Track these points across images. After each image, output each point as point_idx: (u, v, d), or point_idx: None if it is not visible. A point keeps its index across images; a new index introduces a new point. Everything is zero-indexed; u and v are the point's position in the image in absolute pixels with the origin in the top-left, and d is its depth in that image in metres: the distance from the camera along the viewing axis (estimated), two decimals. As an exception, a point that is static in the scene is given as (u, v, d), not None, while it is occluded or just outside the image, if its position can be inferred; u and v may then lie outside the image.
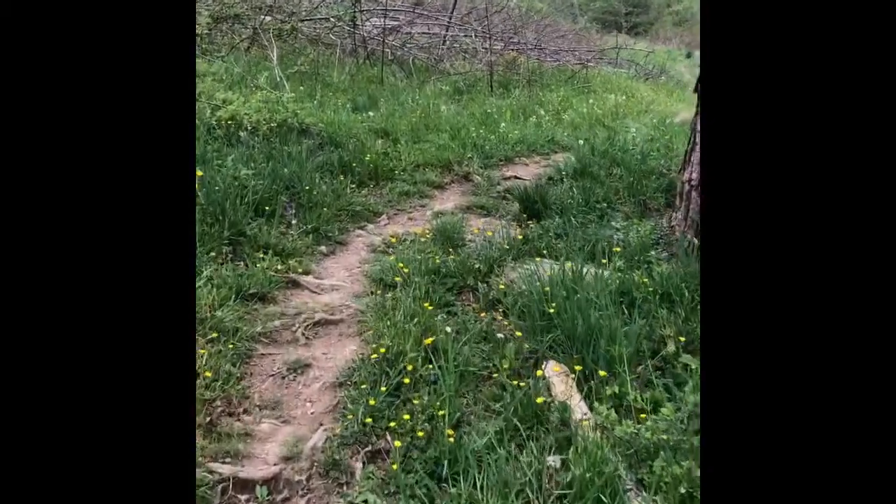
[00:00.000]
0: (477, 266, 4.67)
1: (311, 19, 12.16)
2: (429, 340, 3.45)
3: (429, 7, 15.92)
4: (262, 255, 4.60)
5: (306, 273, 4.64)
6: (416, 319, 3.70)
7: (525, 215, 5.93)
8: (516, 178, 7.26)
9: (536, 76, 12.66)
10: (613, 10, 48.99)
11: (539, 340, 3.62)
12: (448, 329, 3.67)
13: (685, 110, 14.09)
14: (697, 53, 29.73)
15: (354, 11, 11.97)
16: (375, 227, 5.76)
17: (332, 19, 12.06)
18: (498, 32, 14.36)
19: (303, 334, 3.81)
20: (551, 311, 3.67)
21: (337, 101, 8.63)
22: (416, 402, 3.03)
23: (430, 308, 3.88)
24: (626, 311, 3.90)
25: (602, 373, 3.23)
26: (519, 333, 3.65)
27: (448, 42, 13.88)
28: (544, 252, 5.05)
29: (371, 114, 8.34)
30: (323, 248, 5.17)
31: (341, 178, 6.29)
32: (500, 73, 12.28)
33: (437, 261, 4.63)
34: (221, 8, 9.96)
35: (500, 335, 3.71)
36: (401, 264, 4.47)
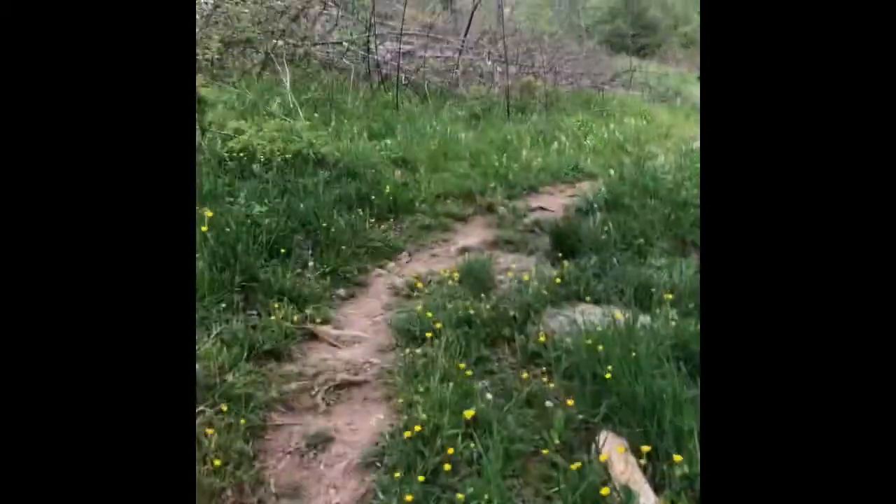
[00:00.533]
0: (512, 314, 4.21)
1: (324, 43, 11.82)
2: (470, 413, 2.99)
3: (441, 31, 15.60)
4: (276, 304, 4.16)
5: (325, 322, 4.20)
6: (450, 383, 3.25)
7: (557, 252, 5.48)
8: (542, 209, 6.83)
9: (552, 100, 12.27)
10: (621, 31, 48.80)
11: (592, 409, 3.16)
12: (489, 396, 3.22)
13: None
14: (710, 75, 29.39)
15: (368, 36, 11.62)
16: (396, 266, 5.33)
17: (345, 43, 11.71)
18: (512, 56, 14.00)
19: (323, 399, 3.36)
20: (607, 375, 3.20)
21: (352, 129, 8.23)
22: (459, 495, 2.55)
23: (466, 370, 3.42)
24: (686, 371, 3.44)
25: (677, 457, 2.75)
26: (570, 402, 3.18)
27: (462, 66, 13.53)
28: (584, 296, 4.60)
29: (388, 141, 7.94)
30: (342, 291, 4.73)
31: (359, 212, 5.87)
32: (515, 98, 11.89)
33: (469, 308, 4.17)
34: (233, 32, 9.61)
35: (547, 402, 3.25)
36: (429, 314, 4.01)
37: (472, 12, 15.90)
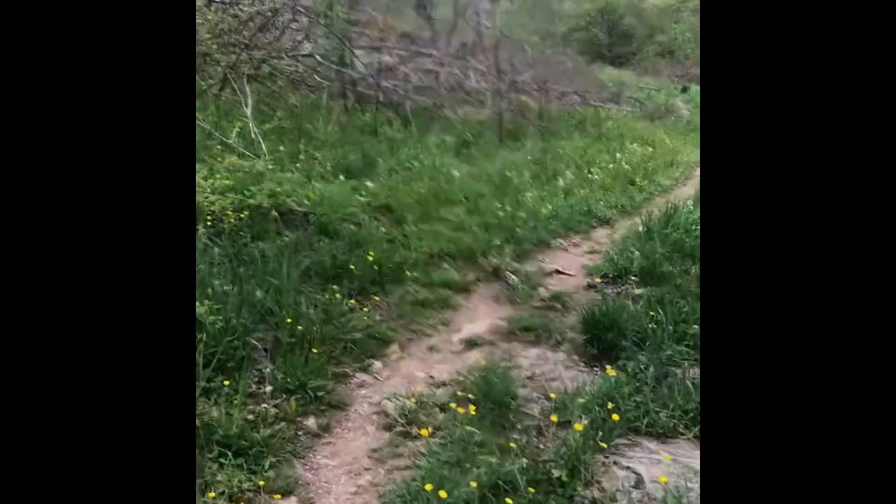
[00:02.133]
0: (557, 475, 2.91)
1: (293, 56, 10.42)
2: None
3: (419, 41, 14.27)
4: (216, 465, 2.83)
5: (286, 493, 2.85)
6: None
7: (591, 346, 4.19)
8: (560, 273, 5.54)
9: (545, 121, 10.99)
10: (597, 40, 47.83)
11: None
12: None
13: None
14: (693, 88, 28.33)
15: (343, 48, 10.25)
16: (385, 369, 4.01)
17: (317, 57, 10.32)
18: (499, 72, 12.70)
19: None
20: None
21: (325, 165, 6.87)
22: None
23: None
24: None
25: None
26: None
27: (445, 80, 12.21)
28: (645, 427, 3.34)
29: (369, 184, 6.57)
30: (312, 420, 3.40)
31: (334, 288, 4.53)
32: (507, 121, 10.59)
33: (496, 469, 2.87)
34: (187, 46, 8.17)
35: None
36: (442, 493, 2.68)
37: (455, 21, 14.60)
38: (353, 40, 10.98)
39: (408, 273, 5.09)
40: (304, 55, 10.52)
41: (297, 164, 6.69)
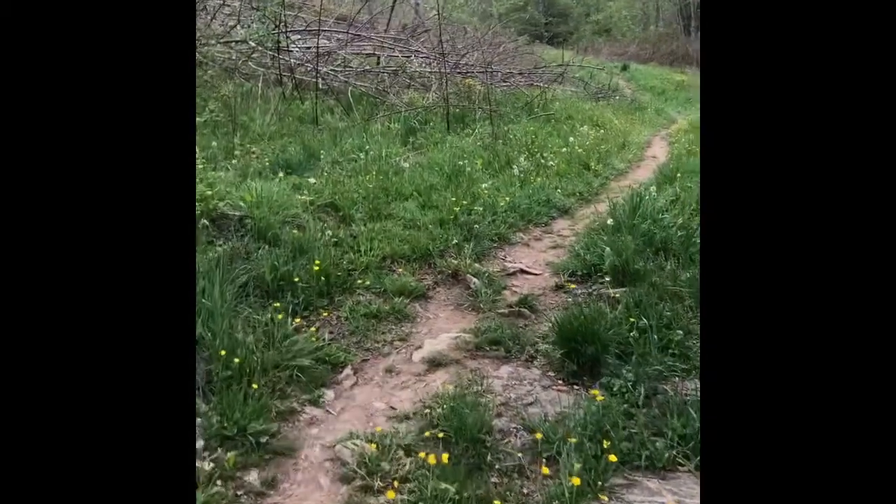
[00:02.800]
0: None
1: (226, 42, 9.66)
2: None
3: (359, 24, 13.57)
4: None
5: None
6: None
7: (571, 363, 3.71)
8: (525, 272, 5.05)
9: (493, 105, 10.45)
10: (534, 19, 47.45)
11: None
12: None
13: (657, 142, 12.19)
14: (633, 66, 28.21)
15: (279, 33, 9.52)
16: (338, 399, 3.47)
17: (251, 43, 9.57)
18: (443, 55, 12.11)
19: None
20: None
21: (263, 161, 6.22)
22: None
23: None
24: None
25: None
26: None
27: (387, 64, 11.58)
28: (642, 462, 2.89)
29: (311, 179, 5.96)
30: (254, 475, 2.84)
31: (276, 305, 3.95)
32: (453, 105, 10.03)
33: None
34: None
35: None
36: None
37: (394, 3, 13.94)
38: (288, 24, 10.25)
39: (359, 281, 4.54)
40: (236, 41, 9.77)
41: (233, 161, 6.04)
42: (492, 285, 4.70)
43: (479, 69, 12.30)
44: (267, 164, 6.24)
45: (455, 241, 5.22)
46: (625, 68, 26.00)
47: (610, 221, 5.43)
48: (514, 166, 7.46)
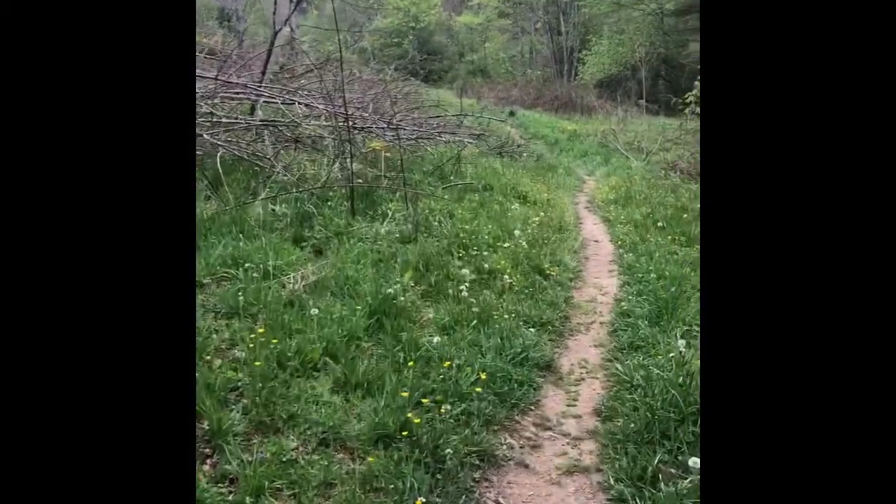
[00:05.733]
0: None
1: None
2: None
3: (229, 63, 10.93)
4: None
5: None
6: None
7: None
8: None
9: (403, 171, 8.12)
10: (407, 55, 45.73)
11: None
12: None
13: (586, 216, 10.31)
14: (520, 111, 26.74)
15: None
16: None
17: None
18: (346, 109, 9.64)
19: None
20: None
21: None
22: None
23: None
24: None
25: None
26: None
27: (267, 117, 9.05)
28: None
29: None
30: None
31: None
32: (359, 176, 7.62)
33: None
34: None
35: None
36: None
37: (272, 41, 11.38)
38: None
39: None
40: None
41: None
42: None
43: (380, 123, 9.98)
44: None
45: (411, 483, 2.86)
46: (512, 114, 24.43)
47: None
48: (461, 284, 5.18)
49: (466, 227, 6.90)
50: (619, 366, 4.32)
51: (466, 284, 5.20)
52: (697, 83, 13.80)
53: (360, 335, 4.17)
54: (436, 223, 6.97)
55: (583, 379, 4.30)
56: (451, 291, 5.17)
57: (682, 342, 4.15)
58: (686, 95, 14.09)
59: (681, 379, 3.82)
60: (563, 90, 30.13)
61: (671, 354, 4.13)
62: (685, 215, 8.40)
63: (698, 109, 14.20)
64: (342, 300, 4.68)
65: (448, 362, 3.88)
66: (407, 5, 47.67)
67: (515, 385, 3.97)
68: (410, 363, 3.78)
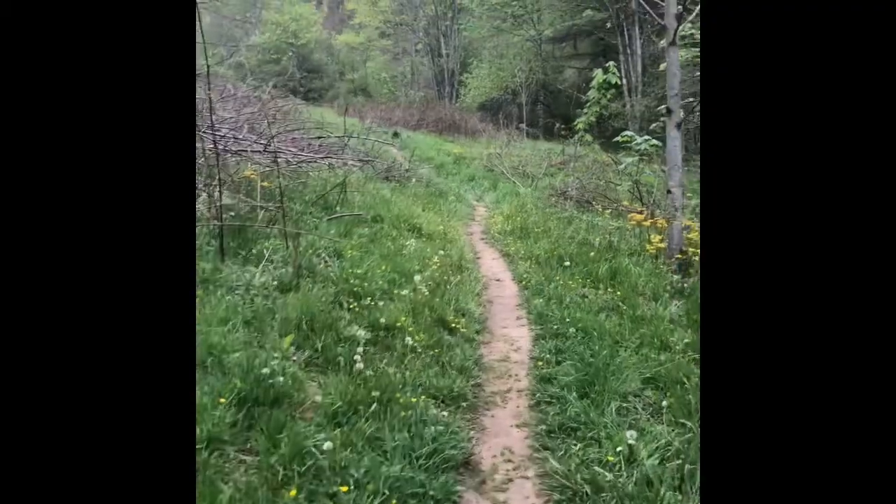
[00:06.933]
0: None
1: None
2: None
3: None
4: None
5: None
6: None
7: None
8: None
9: (290, 208, 7.05)
10: (286, 72, 44.07)
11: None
12: None
13: (484, 249, 9.54)
14: (404, 133, 25.90)
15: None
16: None
17: None
18: (213, 126, 8.39)
19: None
20: None
21: None
22: None
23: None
24: None
25: None
26: None
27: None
28: None
29: None
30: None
31: None
32: (227, 206, 6.46)
33: None
34: None
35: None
36: None
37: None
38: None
39: None
40: None
41: None
42: None
43: (255, 146, 8.81)
44: None
45: None
46: (396, 135, 23.59)
47: None
48: (348, 343, 4.19)
49: (357, 270, 5.91)
50: (553, 461, 3.48)
51: (360, 350, 4.22)
52: (581, 111, 13.50)
53: (224, 437, 3.10)
54: (321, 265, 5.94)
55: (511, 480, 3.43)
56: (341, 360, 4.17)
57: (630, 433, 3.36)
58: (576, 122, 13.75)
59: (634, 486, 3.02)
60: (446, 112, 29.62)
61: (619, 448, 3.32)
62: (592, 253, 7.78)
63: (588, 137, 13.90)
64: (203, 380, 3.59)
65: (345, 487, 2.88)
66: (286, 21, 46.15)
67: None
68: (293, 491, 2.76)
